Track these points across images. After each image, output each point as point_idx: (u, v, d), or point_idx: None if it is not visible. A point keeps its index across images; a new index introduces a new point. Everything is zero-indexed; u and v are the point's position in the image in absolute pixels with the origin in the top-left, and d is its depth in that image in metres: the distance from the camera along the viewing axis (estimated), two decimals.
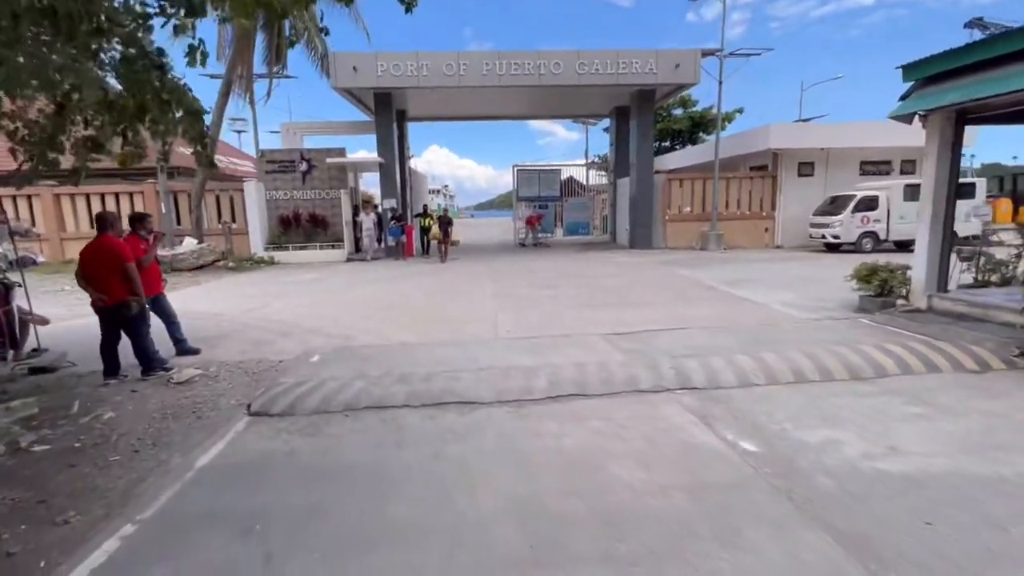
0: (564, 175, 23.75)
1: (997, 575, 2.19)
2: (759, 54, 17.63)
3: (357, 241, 17.67)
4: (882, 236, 15.27)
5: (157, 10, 3.79)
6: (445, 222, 16.50)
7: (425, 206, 20.96)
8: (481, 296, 9.42)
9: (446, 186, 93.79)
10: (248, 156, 25.34)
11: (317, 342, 6.40)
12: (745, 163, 19.40)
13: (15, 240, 6.03)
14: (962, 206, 7.66)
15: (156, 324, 5.68)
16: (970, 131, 6.79)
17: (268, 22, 15.15)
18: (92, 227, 5.41)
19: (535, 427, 3.78)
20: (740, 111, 29.90)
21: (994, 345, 5.17)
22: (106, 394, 4.72)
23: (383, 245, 17.01)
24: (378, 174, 17.44)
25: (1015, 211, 20.39)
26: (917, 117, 6.54)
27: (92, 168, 4.75)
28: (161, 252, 13.54)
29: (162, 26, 3.85)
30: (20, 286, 5.74)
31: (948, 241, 6.61)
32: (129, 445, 3.71)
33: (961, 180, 7.22)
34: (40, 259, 13.66)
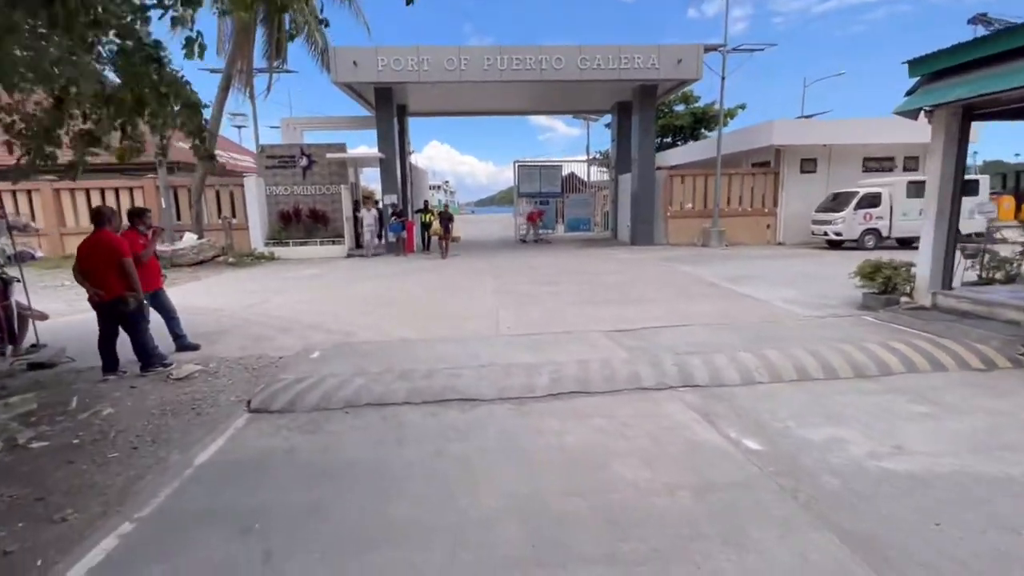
0: (565, 171, 23.75)
1: None
2: (762, 49, 17.53)
3: (358, 237, 17.62)
4: (884, 233, 15.21)
5: (155, 2, 3.74)
6: (446, 218, 16.45)
7: (426, 202, 20.91)
8: (482, 292, 9.38)
9: (447, 182, 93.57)
10: (248, 151, 25.26)
11: (317, 338, 6.37)
12: (747, 159, 19.32)
13: (13, 235, 5.99)
14: (966, 203, 7.62)
15: (155, 320, 5.65)
16: (974, 128, 6.72)
17: (268, 16, 15.04)
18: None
19: (537, 424, 3.75)
20: (742, 107, 29.76)
21: (999, 343, 5.13)
22: (105, 390, 4.69)
23: (383, 241, 16.96)
24: (379, 169, 17.37)
25: (1018, 208, 20.32)
26: (923, 113, 6.48)
27: (91, 163, 4.71)
28: (161, 247, 13.50)
29: (159, 18, 3.80)
30: (18, 281, 5.70)
31: (953, 238, 6.56)
32: (128, 442, 3.68)
33: (965, 177, 7.15)
34: (38, 254, 13.63)
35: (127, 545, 2.54)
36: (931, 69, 6.11)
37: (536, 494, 2.85)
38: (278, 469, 3.26)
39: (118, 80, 3.92)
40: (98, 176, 15.53)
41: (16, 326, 5.65)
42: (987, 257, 7.45)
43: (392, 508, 2.77)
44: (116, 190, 16.20)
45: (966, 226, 8.98)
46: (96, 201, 15.78)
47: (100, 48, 3.95)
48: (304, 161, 16.94)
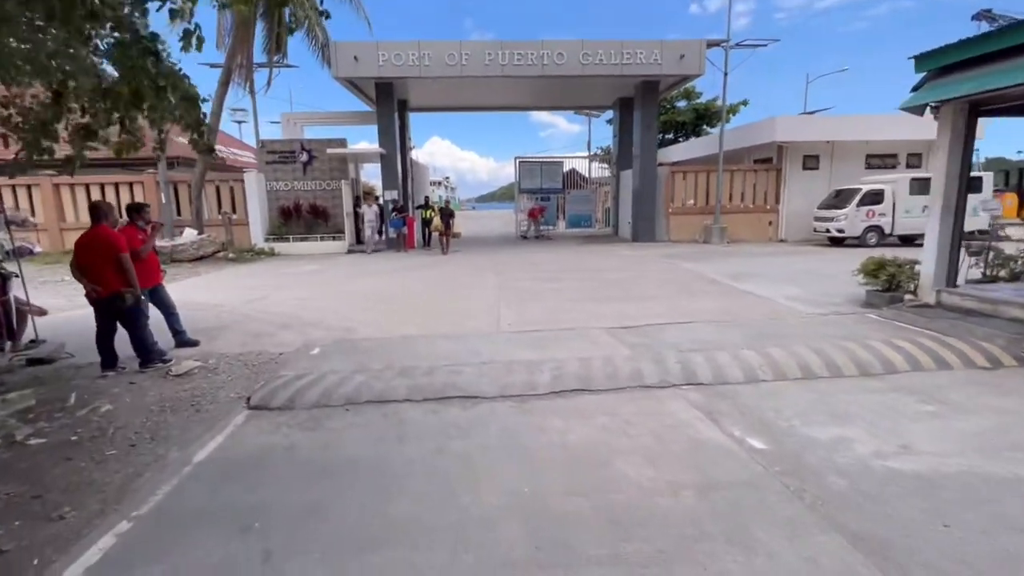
0: (566, 167, 23.59)
1: None
2: (765, 45, 17.43)
3: (358, 232, 17.57)
4: (887, 230, 15.13)
5: None
6: (447, 214, 16.39)
7: (427, 198, 20.84)
8: (483, 289, 9.34)
9: (447, 178, 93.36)
10: (249, 146, 25.18)
11: (317, 334, 6.33)
12: (749, 156, 19.24)
13: (11, 230, 5.95)
14: (969, 200, 7.56)
15: (155, 315, 5.62)
16: (979, 125, 6.66)
17: (268, 10, 14.94)
18: None
19: (539, 422, 3.72)
20: (745, 103, 29.56)
21: (1005, 341, 5.09)
22: (104, 386, 4.66)
23: (384, 237, 16.91)
24: (379, 165, 17.30)
25: (1020, 206, 20.24)
26: (928, 109, 6.42)
27: (91, 158, 4.66)
28: (161, 243, 13.46)
29: (157, 10, 3.75)
30: (17, 276, 5.66)
31: (959, 236, 6.51)
32: (126, 439, 3.65)
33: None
34: (37, 249, 13.58)
35: (125, 544, 2.51)
36: (938, 64, 6.05)
37: (538, 493, 2.82)
38: (278, 467, 3.23)
39: (115, 74, 3.87)
40: (98, 171, 15.48)
41: (15, 322, 5.62)
42: (991, 255, 7.41)
43: (393, 507, 2.74)
44: (116, 185, 16.15)
45: (969, 223, 8.90)
46: (96, 196, 15.74)
47: (97, 41, 3.90)
48: (304, 156, 16.87)
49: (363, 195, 18.88)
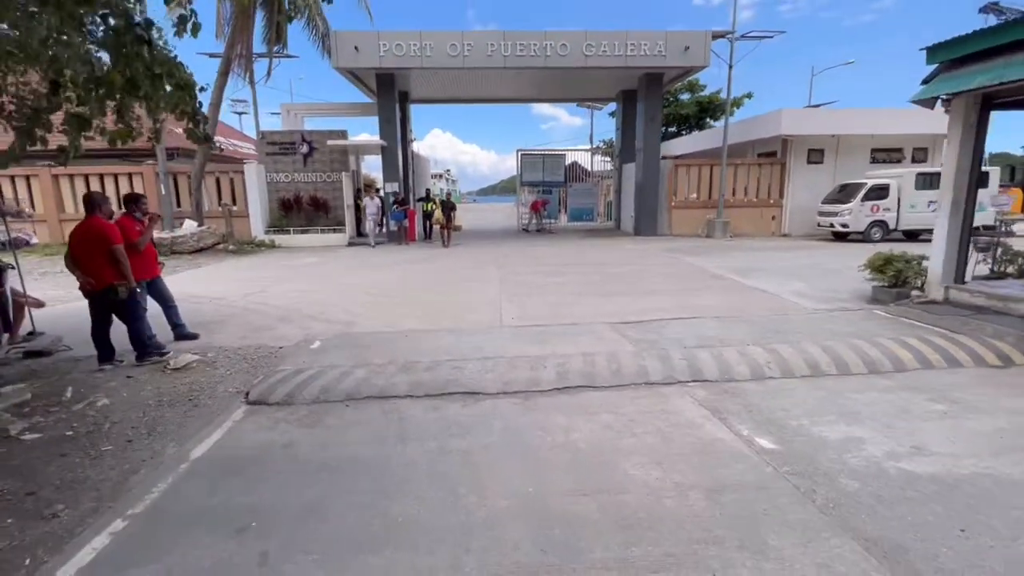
0: (568, 160, 23.43)
1: None
2: (771, 36, 17.22)
3: (359, 225, 17.47)
4: (892, 225, 15.01)
5: None
6: (448, 207, 16.28)
7: (428, 190, 20.71)
8: (485, 282, 9.26)
9: (448, 170, 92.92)
10: (249, 138, 25.03)
11: (318, 328, 6.26)
12: (753, 149, 19.06)
13: (7, 221, 5.86)
14: (978, 195, 7.44)
15: (154, 308, 5.55)
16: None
17: None
18: None
19: (543, 420, 3.65)
20: (749, 96, 29.31)
21: (1015, 339, 5.00)
22: (101, 380, 4.59)
23: (385, 230, 16.80)
24: (380, 157, 17.16)
25: None
26: (940, 102, 6.30)
27: (90, 148, 4.57)
28: (161, 234, 13.38)
29: None
30: (13, 268, 5.59)
31: (968, 231, 6.40)
32: (123, 434, 3.59)
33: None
34: (34, 240, 13.49)
35: (118, 543, 2.44)
36: (951, 56, 5.92)
37: (543, 494, 2.75)
38: (276, 464, 3.16)
39: (109, 61, 3.77)
40: (97, 162, 15.36)
41: (12, 314, 5.54)
42: (999, 250, 7.31)
43: (394, 507, 2.67)
44: (115, 176, 16.02)
45: (975, 219, 8.79)
46: (95, 187, 15.62)
47: (92, 28, 3.80)
48: (305, 148, 16.73)
49: (364, 188, 18.75)
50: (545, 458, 3.15)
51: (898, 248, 7.50)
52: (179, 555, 2.35)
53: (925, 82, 6.37)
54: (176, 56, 3.73)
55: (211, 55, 16.97)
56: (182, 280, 9.96)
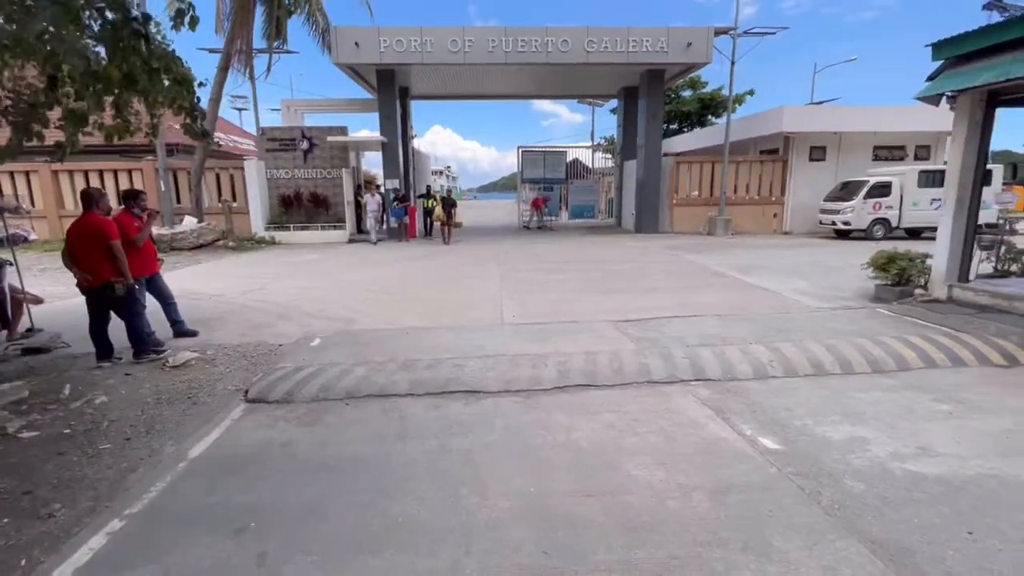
0: (569, 157, 23.35)
1: None
2: (773, 33, 17.12)
3: (359, 221, 17.42)
4: (894, 223, 14.96)
5: None
6: (449, 204, 16.22)
7: (428, 187, 20.65)
8: (486, 279, 9.22)
9: (449, 167, 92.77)
10: (249, 134, 24.95)
11: (317, 325, 6.23)
12: (755, 146, 18.98)
13: (5, 217, 5.82)
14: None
15: (153, 305, 5.52)
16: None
17: None
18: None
19: (545, 419, 3.62)
20: (751, 93, 29.22)
21: (1019, 338, 4.96)
22: (99, 377, 4.56)
23: (385, 226, 16.75)
24: (380, 153, 17.09)
25: None
26: (945, 99, 6.24)
27: (89, 144, 4.53)
28: (161, 231, 13.34)
29: None
30: (11, 264, 5.55)
31: (973, 229, 6.36)
32: (121, 432, 3.56)
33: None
34: (32, 236, 13.43)
35: (115, 544, 2.42)
36: (957, 52, 5.86)
37: (545, 494, 2.72)
38: (275, 463, 3.14)
39: (106, 55, 3.72)
40: (96, 158, 15.30)
41: (10, 310, 5.51)
42: (1003, 249, 7.26)
43: (394, 507, 2.64)
44: (115, 172, 15.97)
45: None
46: (95, 184, 15.57)
47: (89, 22, 3.75)
48: (305, 144, 16.66)
49: (365, 184, 18.68)
50: (547, 458, 3.12)
51: (900, 246, 7.46)
52: (177, 555, 2.32)
53: (930, 79, 6.31)
54: (174, 50, 3.68)
55: (211, 50, 16.89)
56: (182, 277, 9.93)
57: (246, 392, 4.18)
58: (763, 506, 2.58)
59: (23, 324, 5.66)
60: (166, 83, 3.66)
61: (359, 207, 17.39)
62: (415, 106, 22.05)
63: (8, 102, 4.03)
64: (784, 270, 9.57)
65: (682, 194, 17.75)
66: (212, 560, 2.29)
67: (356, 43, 15.01)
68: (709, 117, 29.37)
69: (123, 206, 5.33)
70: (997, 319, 5.54)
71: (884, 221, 14.91)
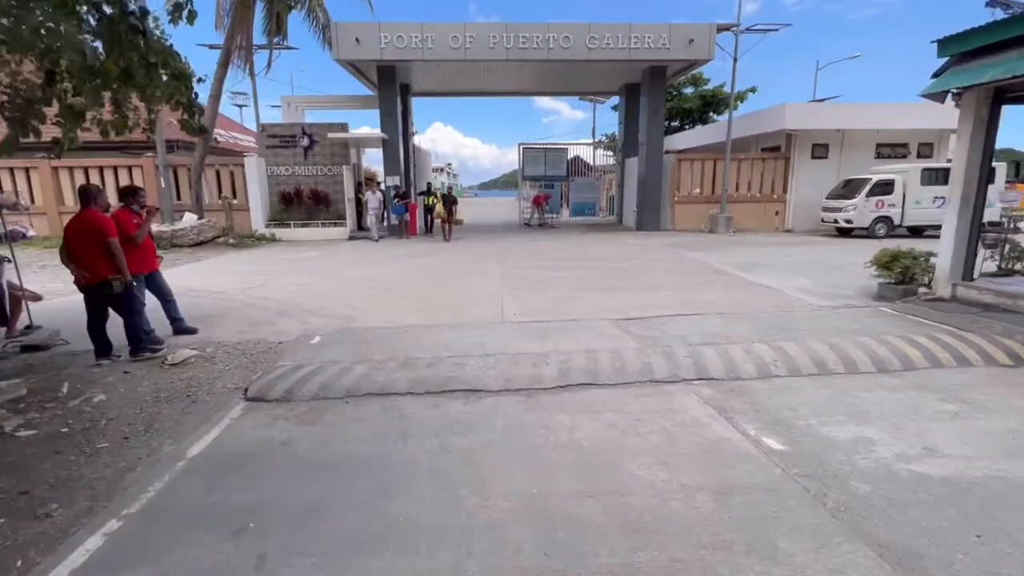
0: (571, 154, 23.30)
1: None
2: (776, 29, 17.04)
3: (360, 218, 17.37)
4: (896, 221, 14.90)
5: None
6: (450, 201, 16.17)
7: (429, 184, 20.60)
8: (487, 277, 9.18)
9: (450, 164, 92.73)
10: (249, 130, 24.88)
11: (318, 323, 6.20)
12: (757, 144, 18.92)
13: (3, 213, 5.79)
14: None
15: (152, 302, 5.49)
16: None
17: None
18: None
19: (546, 419, 3.59)
20: (753, 90, 29.10)
21: None
22: (98, 375, 4.54)
23: (386, 223, 16.71)
24: (381, 150, 17.03)
25: None
26: (950, 95, 6.19)
27: (88, 141, 4.49)
28: (161, 228, 13.31)
29: None
30: (9, 261, 5.52)
31: (978, 227, 6.31)
32: (119, 431, 3.53)
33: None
34: (30, 232, 13.39)
35: (112, 545, 2.39)
36: (963, 49, 5.81)
37: (547, 496, 2.69)
38: (275, 462, 3.11)
39: (104, 50, 3.68)
40: (96, 154, 15.26)
41: (8, 308, 5.48)
42: (1007, 247, 7.22)
43: (394, 508, 2.61)
44: (115, 168, 15.93)
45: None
46: (95, 180, 15.53)
47: (86, 16, 3.71)
48: (305, 141, 16.61)
49: (366, 181, 18.64)
50: (548, 458, 3.09)
51: (903, 244, 7.41)
52: (175, 557, 2.29)
53: (935, 75, 6.27)
54: (171, 45, 3.64)
55: (211, 46, 16.85)
56: (182, 274, 9.90)
57: (245, 390, 4.15)
58: (767, 507, 2.55)
59: (22, 321, 5.64)
60: (164, 78, 3.61)
61: (360, 204, 17.35)
62: (416, 103, 21.97)
63: (4, 97, 3.99)
64: (786, 268, 9.53)
65: (684, 191, 17.69)
66: (211, 561, 2.26)
67: (357, 39, 14.94)
68: (711, 114, 29.27)
69: (122, 203, 5.30)
70: (1002, 318, 5.50)
71: (886, 219, 14.85)
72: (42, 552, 2.34)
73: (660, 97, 17.22)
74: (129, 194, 5.33)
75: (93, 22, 3.71)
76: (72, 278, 4.76)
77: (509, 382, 4.19)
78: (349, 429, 3.52)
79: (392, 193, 16.43)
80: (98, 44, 3.80)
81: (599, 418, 3.58)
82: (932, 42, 6.13)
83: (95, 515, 2.60)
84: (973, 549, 2.22)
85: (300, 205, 16.61)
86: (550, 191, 21.09)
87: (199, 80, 4.45)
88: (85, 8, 3.62)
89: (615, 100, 23.77)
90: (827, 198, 15.93)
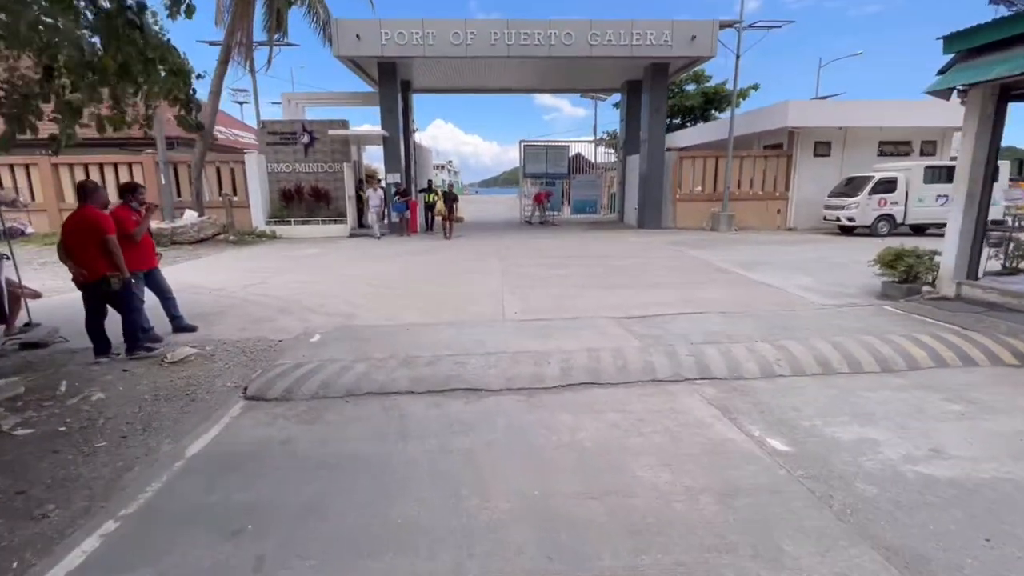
0: (572, 152, 23.22)
1: None
2: (779, 26, 16.96)
3: (360, 216, 17.33)
4: (899, 219, 14.83)
5: None
6: (450, 198, 16.13)
7: (430, 181, 20.54)
8: (487, 275, 9.15)
9: (451, 161, 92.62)
10: (249, 127, 24.83)
11: (318, 320, 6.17)
12: (759, 141, 18.85)
13: (2, 210, 5.75)
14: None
15: (152, 300, 5.46)
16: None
17: None
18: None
19: (548, 419, 3.55)
20: (755, 87, 28.95)
21: None
22: (96, 373, 4.51)
23: (386, 221, 16.67)
24: (382, 147, 16.98)
25: None
26: (956, 93, 6.14)
27: (88, 137, 4.45)
28: (161, 225, 13.28)
29: None
30: (8, 258, 5.49)
31: (983, 226, 6.27)
32: (117, 430, 3.50)
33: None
34: (29, 229, 13.38)
35: (109, 546, 2.36)
36: (969, 45, 5.75)
37: (549, 497, 2.66)
38: (274, 461, 3.08)
39: (101, 45, 3.64)
40: (97, 151, 15.22)
41: (7, 305, 5.45)
42: (1012, 245, 7.17)
43: (395, 509, 2.59)
44: (115, 165, 15.89)
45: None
46: (95, 177, 15.50)
47: (86, 12, 3.67)
48: (306, 138, 16.56)
49: (367, 179, 18.59)
50: (550, 458, 3.06)
51: (907, 243, 7.36)
52: (174, 558, 2.26)
53: (941, 72, 6.21)
54: (169, 40, 3.60)
55: (211, 43, 16.80)
56: (182, 271, 9.87)
57: (245, 389, 4.12)
58: (772, 509, 2.52)
59: (21, 318, 5.62)
60: (162, 74, 3.57)
61: (360, 201, 17.30)
62: (416, 100, 21.91)
63: (1, 93, 3.95)
64: (788, 266, 9.48)
65: (685, 189, 17.63)
66: (208, 564, 2.23)
67: (357, 35, 14.88)
68: (712, 112, 29.17)
69: (121, 200, 5.26)
70: (1007, 317, 5.46)
71: (889, 217, 14.79)
72: (38, 554, 2.31)
73: (662, 94, 17.15)
74: (128, 191, 5.29)
75: (90, 17, 3.67)
76: (70, 275, 4.73)
77: (510, 381, 4.15)
78: (349, 428, 3.49)
79: (393, 190, 16.39)
80: (96, 39, 3.76)
81: (601, 418, 3.55)
82: (938, 38, 6.08)
83: (92, 516, 2.57)
84: (982, 553, 2.19)
85: (301, 202, 16.58)
86: (551, 189, 21.03)
87: (198, 76, 4.41)
88: (83, 3, 3.59)
89: (616, 97, 23.66)
90: (829, 196, 15.87)
